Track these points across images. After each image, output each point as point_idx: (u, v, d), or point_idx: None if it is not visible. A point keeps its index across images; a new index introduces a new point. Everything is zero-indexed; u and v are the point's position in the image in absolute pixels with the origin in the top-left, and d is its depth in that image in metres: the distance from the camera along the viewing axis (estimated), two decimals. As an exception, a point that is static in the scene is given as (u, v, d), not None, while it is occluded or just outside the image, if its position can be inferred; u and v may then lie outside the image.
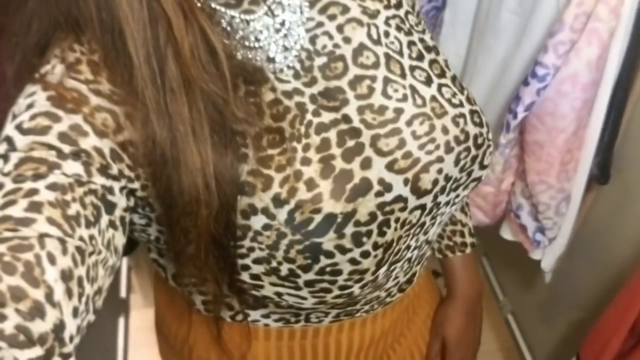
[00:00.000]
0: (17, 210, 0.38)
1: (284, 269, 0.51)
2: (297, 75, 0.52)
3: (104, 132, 0.44)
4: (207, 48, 0.45)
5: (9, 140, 0.42)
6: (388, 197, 0.52)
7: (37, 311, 0.35)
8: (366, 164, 0.51)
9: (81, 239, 0.40)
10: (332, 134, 0.51)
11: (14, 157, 0.41)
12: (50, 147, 0.41)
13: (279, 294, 0.54)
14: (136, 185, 0.46)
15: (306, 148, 0.50)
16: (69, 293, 0.38)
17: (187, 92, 0.44)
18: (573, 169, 1.04)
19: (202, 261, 0.49)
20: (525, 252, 1.24)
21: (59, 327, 0.36)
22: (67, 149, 0.42)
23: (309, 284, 0.52)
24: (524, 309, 1.61)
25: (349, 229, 0.50)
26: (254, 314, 0.63)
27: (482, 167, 0.59)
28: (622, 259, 1.14)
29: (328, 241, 0.50)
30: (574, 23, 0.90)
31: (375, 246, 0.52)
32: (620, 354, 0.98)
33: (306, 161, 0.50)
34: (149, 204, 0.48)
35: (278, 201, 0.48)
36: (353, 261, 0.52)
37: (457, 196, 0.59)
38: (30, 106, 0.43)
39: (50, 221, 0.38)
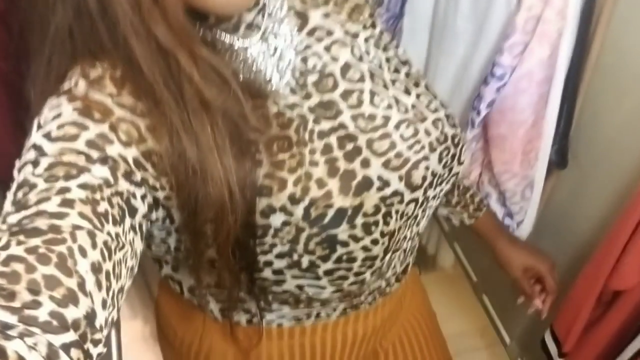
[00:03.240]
0: (51, 206, 0.40)
1: (305, 261, 0.56)
2: (294, 91, 0.58)
3: (128, 142, 0.47)
4: (215, 73, 0.49)
5: (37, 148, 0.44)
6: (387, 191, 0.58)
7: (70, 298, 0.36)
8: (365, 164, 0.57)
9: (109, 234, 0.42)
10: (332, 139, 0.57)
11: (45, 162, 0.43)
12: (79, 152, 0.44)
13: (300, 287, 0.60)
14: (160, 194, 0.49)
15: (312, 152, 0.56)
16: (98, 285, 0.39)
17: (206, 111, 0.48)
18: (534, 157, 1.10)
19: (224, 263, 0.53)
20: (496, 236, 1.31)
21: (91, 315, 0.37)
22: (95, 155, 0.44)
23: (328, 272, 0.58)
24: (498, 288, 1.67)
25: (359, 220, 0.56)
26: (270, 316, 0.68)
27: (460, 163, 0.67)
28: (583, 236, 1.21)
29: (342, 232, 0.56)
30: (525, 26, 0.96)
31: (382, 234, 0.59)
32: (590, 322, 1.06)
33: (314, 163, 0.55)
34: (169, 215, 0.51)
35: (294, 199, 0.54)
36: (365, 248, 0.58)
37: (441, 190, 0.66)
38: (57, 117, 0.45)
39: (82, 215, 0.40)
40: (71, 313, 0.36)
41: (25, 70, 0.51)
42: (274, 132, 0.55)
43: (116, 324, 1.62)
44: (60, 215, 0.39)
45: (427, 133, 0.62)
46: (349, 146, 0.57)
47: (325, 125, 0.57)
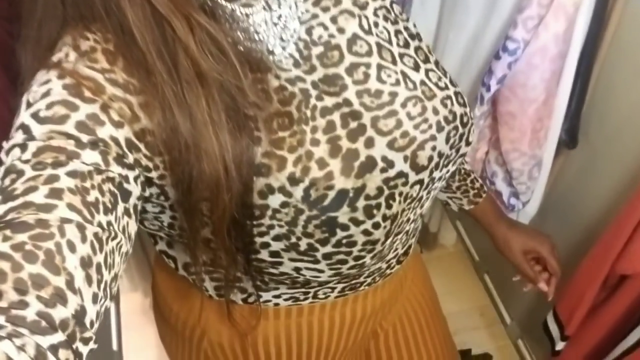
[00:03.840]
0: (39, 197, 0.38)
1: (303, 244, 0.54)
2: (297, 64, 0.55)
3: (120, 122, 0.44)
4: (213, 42, 0.46)
5: (25, 128, 0.42)
6: (391, 172, 0.55)
7: (58, 297, 0.35)
8: (369, 143, 0.55)
9: (99, 225, 0.40)
10: (335, 117, 0.54)
11: (33, 146, 0.41)
12: (68, 136, 0.42)
13: (297, 269, 0.58)
14: (153, 174, 0.47)
15: (314, 130, 0.53)
16: (88, 280, 0.38)
17: (202, 83, 0.45)
18: (544, 136, 1.08)
19: (220, 243, 0.51)
20: (500, 216, 1.29)
21: (80, 313, 0.37)
22: (85, 138, 0.42)
23: (326, 256, 0.56)
24: (499, 268, 1.67)
25: (361, 203, 0.54)
26: (266, 295, 0.66)
27: (468, 143, 0.64)
28: (590, 217, 1.20)
29: (343, 215, 0.53)
30: (541, -1, 0.94)
31: (385, 218, 0.56)
32: (594, 306, 1.05)
33: (315, 142, 0.53)
34: (163, 192, 0.50)
35: (293, 180, 0.51)
36: (366, 232, 0.55)
37: (447, 172, 0.64)
38: (45, 94, 0.43)
39: (71, 207, 0.39)
40: (59, 313, 0.35)
41: (17, 32, 0.49)
42: (274, 108, 0.52)
43: (115, 297, 1.62)
44: (48, 208, 0.38)
45: (435, 111, 0.59)
46: (353, 124, 0.55)
47: (329, 101, 0.55)
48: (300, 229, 0.53)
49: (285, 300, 0.68)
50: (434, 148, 0.58)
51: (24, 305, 0.34)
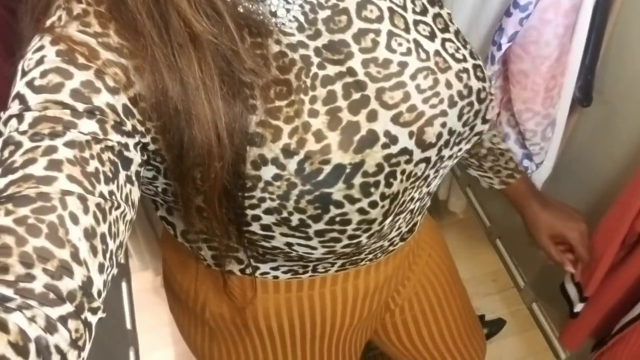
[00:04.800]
0: (38, 169, 0.38)
1: (295, 219, 0.52)
2: (301, 28, 0.52)
3: (116, 88, 0.43)
4: (208, 3, 0.44)
5: (21, 98, 0.42)
6: (394, 149, 0.52)
7: (64, 270, 0.36)
8: (372, 117, 0.52)
9: (101, 195, 0.40)
10: (337, 87, 0.51)
11: (29, 117, 0.40)
12: (64, 105, 0.41)
13: (289, 245, 0.55)
14: (147, 139, 0.46)
15: (313, 100, 0.50)
16: (93, 251, 0.38)
17: (195, 46, 0.44)
18: (557, 94, 1.06)
19: (211, 213, 0.50)
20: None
21: (87, 284, 0.37)
22: (81, 107, 0.41)
23: (319, 233, 0.54)
24: (512, 232, 1.65)
25: (358, 180, 0.51)
26: (263, 267, 0.64)
27: (485, 121, 0.60)
28: (606, 177, 1.18)
29: (337, 191, 0.51)
30: (553, -51, 0.90)
31: (383, 197, 0.53)
32: (613, 266, 1.03)
33: (313, 113, 0.50)
34: (160, 155, 0.48)
35: (288, 152, 0.49)
36: (362, 211, 0.53)
37: (460, 150, 0.60)
38: (40, 62, 0.42)
39: (71, 179, 0.39)
40: (66, 285, 0.35)
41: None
42: (273, 75, 0.49)
43: (126, 276, 1.62)
44: (48, 180, 0.38)
45: (449, 85, 0.55)
46: (356, 95, 0.52)
47: (332, 70, 0.52)
48: (292, 203, 0.51)
49: (284, 273, 0.66)
50: (444, 124, 0.55)
51: (30, 278, 0.34)
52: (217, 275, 0.68)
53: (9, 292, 0.33)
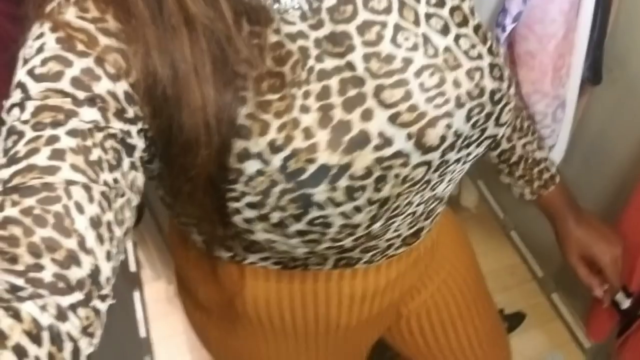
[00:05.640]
0: (41, 159, 0.38)
1: (275, 217, 0.50)
2: (303, 17, 0.50)
3: (117, 74, 0.43)
4: None
5: (22, 86, 0.42)
6: (387, 151, 0.50)
7: (72, 259, 0.36)
8: (367, 116, 0.49)
9: (105, 183, 0.40)
10: (333, 82, 0.49)
11: (30, 106, 0.41)
12: (64, 94, 0.41)
13: (270, 241, 0.54)
14: (147, 125, 0.46)
15: (306, 95, 0.48)
16: (100, 239, 0.39)
17: (189, 29, 0.43)
18: (566, 74, 1.04)
19: (196, 201, 0.49)
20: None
21: (95, 272, 0.38)
22: (81, 95, 0.41)
23: (299, 233, 0.52)
24: (527, 222, 1.63)
25: (343, 182, 0.49)
26: (252, 257, 0.63)
27: (499, 124, 0.57)
28: (620, 158, 1.16)
29: (320, 193, 0.49)
30: None
31: (370, 202, 0.51)
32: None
33: (305, 109, 0.48)
34: (151, 142, 0.48)
35: (273, 147, 0.47)
36: (344, 215, 0.51)
37: (469, 154, 0.57)
38: (40, 50, 0.42)
39: (75, 168, 0.39)
40: (74, 274, 0.36)
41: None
42: (267, 67, 0.48)
43: (139, 285, 1.61)
44: (52, 170, 0.38)
45: (457, 84, 0.52)
46: (352, 92, 0.49)
47: (329, 63, 0.50)
48: (274, 200, 0.49)
49: (274, 264, 0.64)
50: (448, 126, 0.52)
51: (39, 268, 0.35)
52: (208, 259, 0.67)
53: (19, 281, 0.34)
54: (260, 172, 0.48)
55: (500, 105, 0.55)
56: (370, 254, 0.64)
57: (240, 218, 0.52)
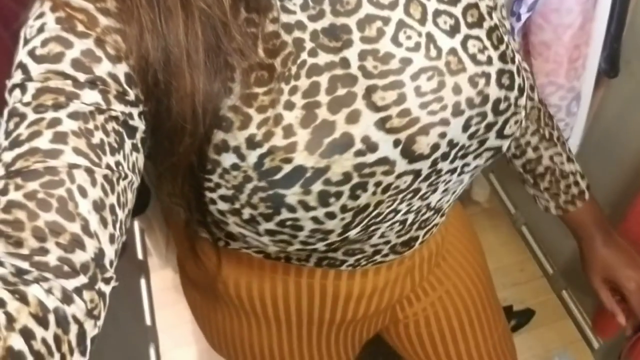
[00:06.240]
0: (44, 142, 0.38)
1: (246, 213, 0.49)
2: (304, 6, 0.48)
3: (117, 56, 0.42)
4: None
5: (23, 67, 0.41)
6: (370, 157, 0.48)
7: (76, 243, 0.37)
8: (353, 118, 0.47)
9: (108, 166, 0.40)
10: (323, 79, 0.47)
11: (31, 87, 0.40)
12: (65, 76, 0.41)
13: (243, 235, 0.53)
14: (146, 107, 0.45)
15: (293, 91, 0.47)
16: (103, 222, 0.39)
17: (185, 12, 0.42)
18: (582, 65, 1.01)
19: (177, 187, 0.49)
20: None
21: (99, 255, 0.38)
22: (82, 78, 0.41)
23: (269, 232, 0.51)
24: (539, 218, 1.61)
25: (317, 187, 0.47)
26: (234, 244, 0.62)
27: (502, 136, 0.53)
28: (636, 155, 1.13)
29: (292, 195, 0.47)
30: None
31: (344, 209, 0.49)
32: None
33: (289, 105, 0.46)
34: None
35: (252, 143, 0.46)
36: (316, 220, 0.49)
37: (467, 165, 0.54)
38: (40, 30, 0.42)
39: (77, 151, 0.39)
40: (79, 257, 0.36)
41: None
42: (258, 58, 0.46)
43: (145, 274, 1.61)
44: (55, 154, 0.38)
45: (457, 90, 0.49)
46: (341, 91, 0.47)
47: (323, 58, 0.47)
48: (245, 197, 0.48)
49: (256, 253, 0.63)
50: (442, 135, 0.49)
51: (44, 251, 0.35)
52: (193, 239, 0.65)
53: (25, 265, 0.34)
54: (235, 167, 0.47)
55: (504, 116, 0.52)
56: (355, 257, 0.62)
57: (215, 208, 0.51)
